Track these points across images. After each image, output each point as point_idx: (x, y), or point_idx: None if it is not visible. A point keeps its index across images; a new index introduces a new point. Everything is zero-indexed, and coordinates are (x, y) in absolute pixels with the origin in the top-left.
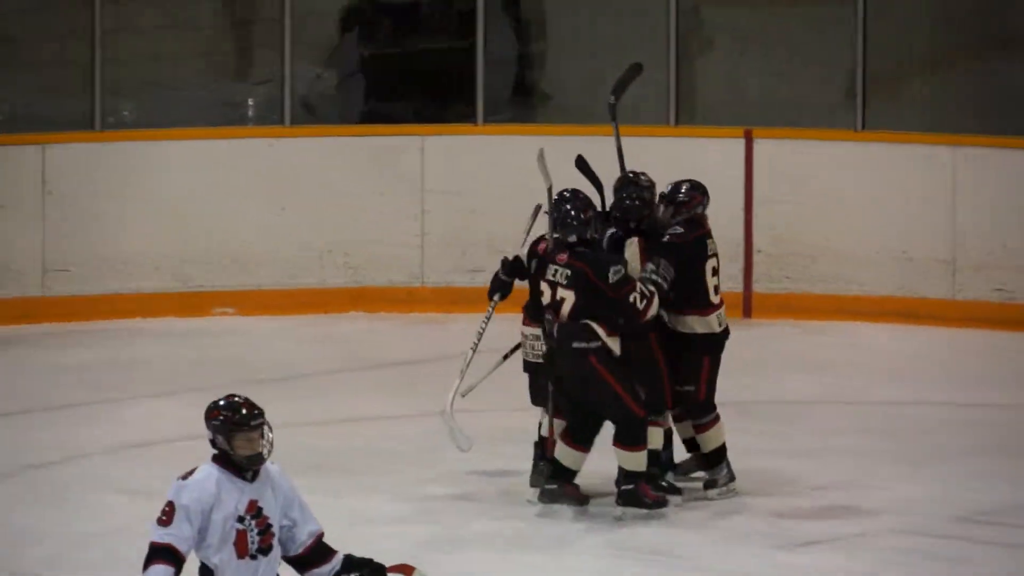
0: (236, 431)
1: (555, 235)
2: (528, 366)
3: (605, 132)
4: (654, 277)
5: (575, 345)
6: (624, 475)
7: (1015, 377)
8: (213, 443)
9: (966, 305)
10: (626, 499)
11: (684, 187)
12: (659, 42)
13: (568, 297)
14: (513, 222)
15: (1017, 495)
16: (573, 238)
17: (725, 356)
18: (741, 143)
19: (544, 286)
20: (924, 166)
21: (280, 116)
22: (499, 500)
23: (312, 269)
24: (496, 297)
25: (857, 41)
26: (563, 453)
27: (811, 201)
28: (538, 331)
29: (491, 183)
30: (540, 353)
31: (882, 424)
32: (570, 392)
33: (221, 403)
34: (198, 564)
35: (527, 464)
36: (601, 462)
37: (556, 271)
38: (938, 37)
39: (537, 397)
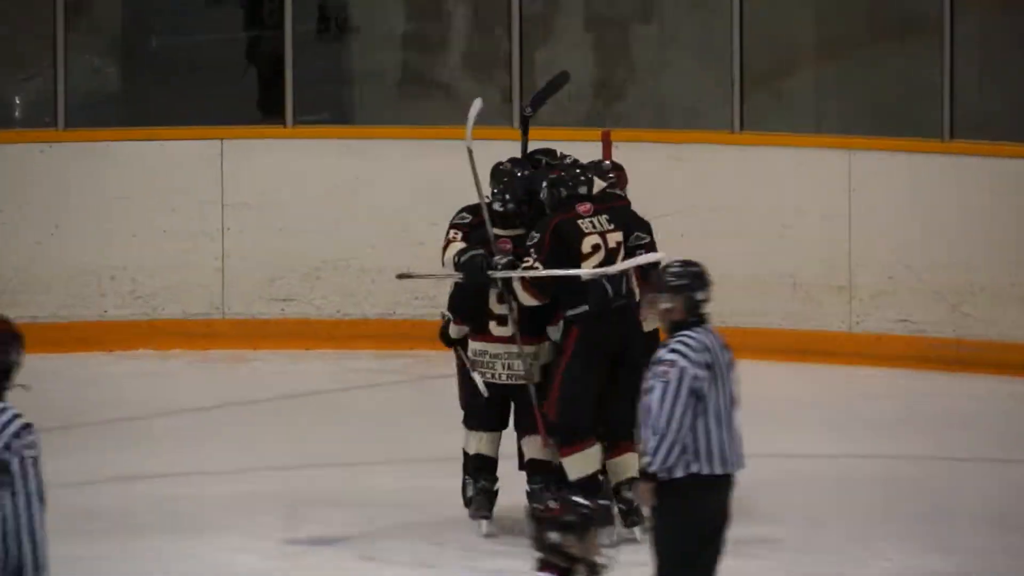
0: None
1: (562, 191)
2: (505, 389)
3: (436, 135)
4: None
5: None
6: (630, 482)
7: (925, 423)
8: None
9: (865, 339)
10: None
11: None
12: (499, 29)
13: (619, 238)
14: (330, 241)
15: (932, 565)
16: (584, 190)
17: None
18: (597, 147)
19: (593, 240)
20: (814, 173)
21: (53, 117)
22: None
23: (92, 299)
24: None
25: (733, 28)
26: (589, 459)
27: (682, 216)
28: (509, 347)
29: (304, 196)
30: (517, 372)
31: (767, 479)
32: (636, 361)
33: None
34: None
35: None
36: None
37: (593, 221)
38: (826, 24)
39: (523, 422)
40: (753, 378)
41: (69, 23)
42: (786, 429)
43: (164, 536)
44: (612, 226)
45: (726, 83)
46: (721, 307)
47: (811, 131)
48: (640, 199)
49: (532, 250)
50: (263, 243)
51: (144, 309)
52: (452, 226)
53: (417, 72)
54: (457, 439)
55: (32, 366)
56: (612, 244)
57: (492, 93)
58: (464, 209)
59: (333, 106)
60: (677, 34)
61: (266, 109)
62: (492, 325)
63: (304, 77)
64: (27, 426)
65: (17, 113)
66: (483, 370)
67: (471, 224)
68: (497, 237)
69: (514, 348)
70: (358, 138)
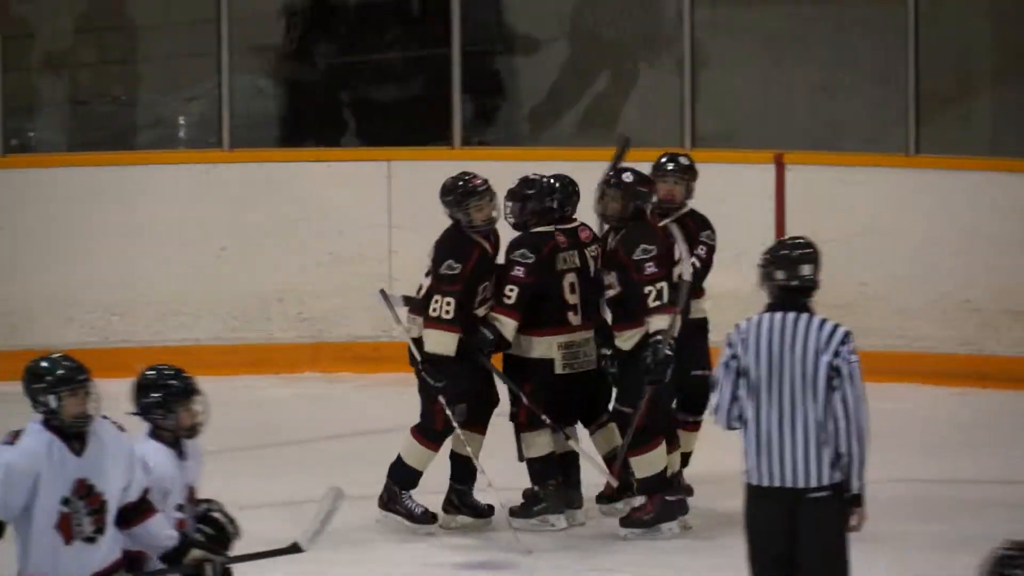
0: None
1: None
2: (583, 379)
3: (605, 157)
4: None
5: None
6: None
7: None
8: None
9: None
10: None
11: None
12: (672, 48)
13: None
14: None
15: None
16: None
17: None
18: (771, 170)
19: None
20: (989, 197)
21: (218, 138)
22: None
23: (258, 321)
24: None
25: (908, 50)
26: (660, 456)
27: (854, 239)
28: (585, 335)
29: None
30: (591, 359)
31: (943, 509)
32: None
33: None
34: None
35: None
36: None
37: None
38: (1004, 44)
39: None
40: (924, 404)
41: (234, 44)
42: (961, 454)
43: (333, 560)
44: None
45: (901, 105)
46: (897, 331)
47: (987, 154)
48: (814, 221)
49: (652, 264)
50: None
51: (311, 332)
52: (442, 284)
53: (584, 93)
54: None
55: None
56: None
57: (661, 114)
58: (450, 254)
59: (501, 128)
60: (852, 55)
61: (433, 130)
62: (571, 315)
63: (472, 98)
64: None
65: (182, 134)
66: (568, 362)
67: (461, 275)
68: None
69: (589, 335)
70: (526, 160)
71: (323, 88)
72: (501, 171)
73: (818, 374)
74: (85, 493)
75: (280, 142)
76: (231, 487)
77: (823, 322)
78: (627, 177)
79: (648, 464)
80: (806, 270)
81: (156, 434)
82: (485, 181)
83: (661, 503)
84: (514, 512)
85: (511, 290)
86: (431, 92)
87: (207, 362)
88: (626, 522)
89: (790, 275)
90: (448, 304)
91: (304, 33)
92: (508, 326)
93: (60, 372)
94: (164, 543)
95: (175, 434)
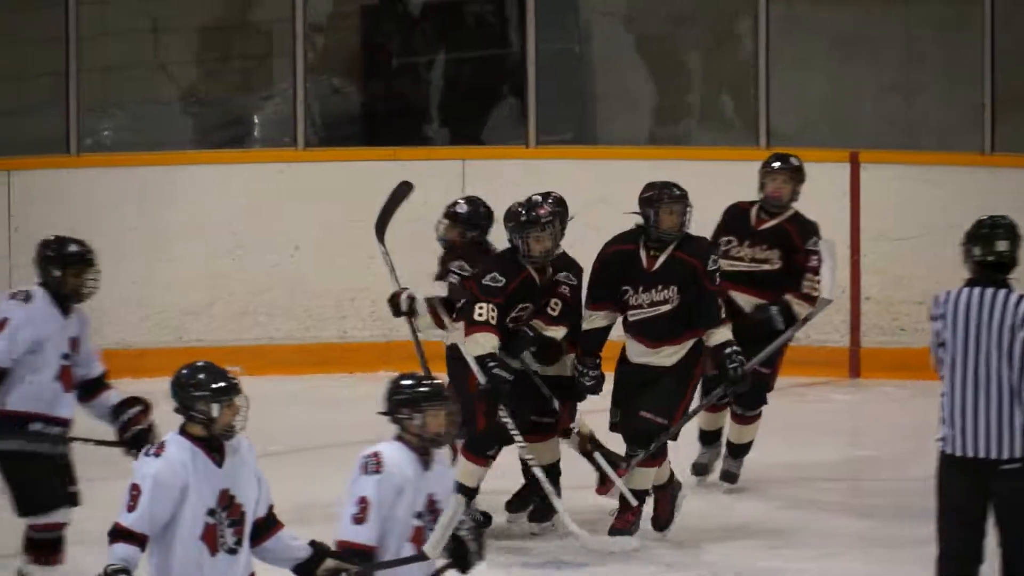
0: None
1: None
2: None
3: (680, 155)
4: None
5: None
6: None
7: None
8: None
9: None
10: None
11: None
12: (745, 48)
13: None
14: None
15: None
16: None
17: (827, 422)
18: (846, 169)
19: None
20: None
21: (292, 137)
22: None
23: (332, 320)
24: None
25: (984, 47)
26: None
27: (930, 237)
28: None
29: None
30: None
31: None
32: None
33: None
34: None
35: None
36: None
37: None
38: None
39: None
40: None
41: (308, 44)
42: None
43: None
44: None
45: (977, 103)
46: None
47: None
48: (889, 221)
49: (719, 274)
50: None
51: (384, 331)
52: (484, 294)
53: (658, 91)
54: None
55: (270, 389)
56: None
57: (736, 113)
58: (496, 268)
59: (575, 126)
60: (926, 54)
61: (508, 129)
62: None
63: (545, 97)
64: None
65: (256, 133)
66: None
67: (504, 289)
68: None
69: None
70: (601, 159)
71: (397, 87)
72: (574, 169)
73: (1013, 349)
74: (227, 504)
75: (354, 141)
76: (306, 487)
77: (1021, 298)
78: (681, 190)
79: (647, 477)
80: (1002, 246)
81: (401, 438)
82: (552, 212)
83: (639, 513)
84: (533, 517)
85: (555, 304)
86: (506, 91)
87: (281, 361)
88: (614, 532)
89: (986, 251)
90: (493, 311)
91: (378, 32)
92: (557, 332)
93: (223, 383)
94: (297, 554)
95: (420, 439)
